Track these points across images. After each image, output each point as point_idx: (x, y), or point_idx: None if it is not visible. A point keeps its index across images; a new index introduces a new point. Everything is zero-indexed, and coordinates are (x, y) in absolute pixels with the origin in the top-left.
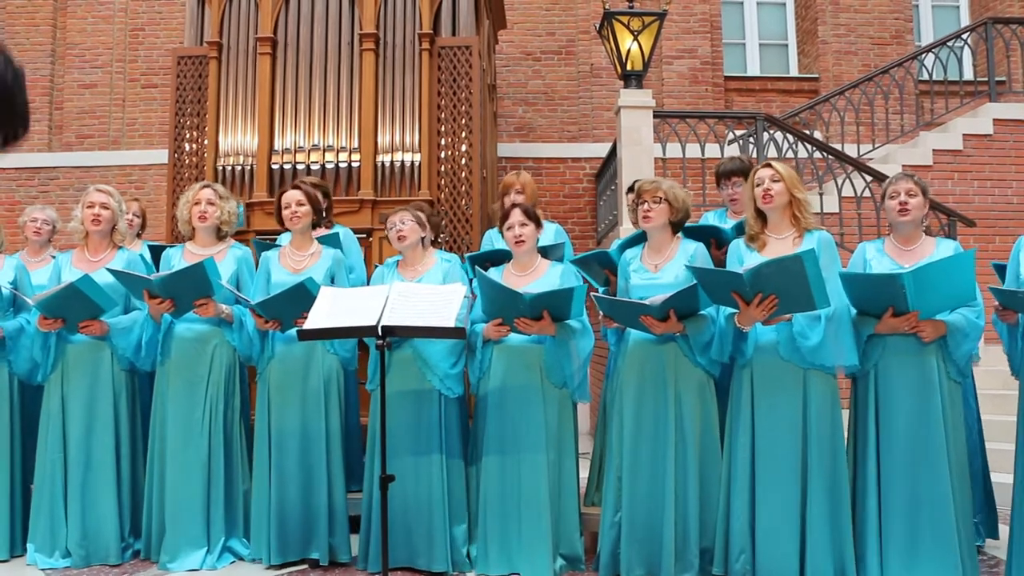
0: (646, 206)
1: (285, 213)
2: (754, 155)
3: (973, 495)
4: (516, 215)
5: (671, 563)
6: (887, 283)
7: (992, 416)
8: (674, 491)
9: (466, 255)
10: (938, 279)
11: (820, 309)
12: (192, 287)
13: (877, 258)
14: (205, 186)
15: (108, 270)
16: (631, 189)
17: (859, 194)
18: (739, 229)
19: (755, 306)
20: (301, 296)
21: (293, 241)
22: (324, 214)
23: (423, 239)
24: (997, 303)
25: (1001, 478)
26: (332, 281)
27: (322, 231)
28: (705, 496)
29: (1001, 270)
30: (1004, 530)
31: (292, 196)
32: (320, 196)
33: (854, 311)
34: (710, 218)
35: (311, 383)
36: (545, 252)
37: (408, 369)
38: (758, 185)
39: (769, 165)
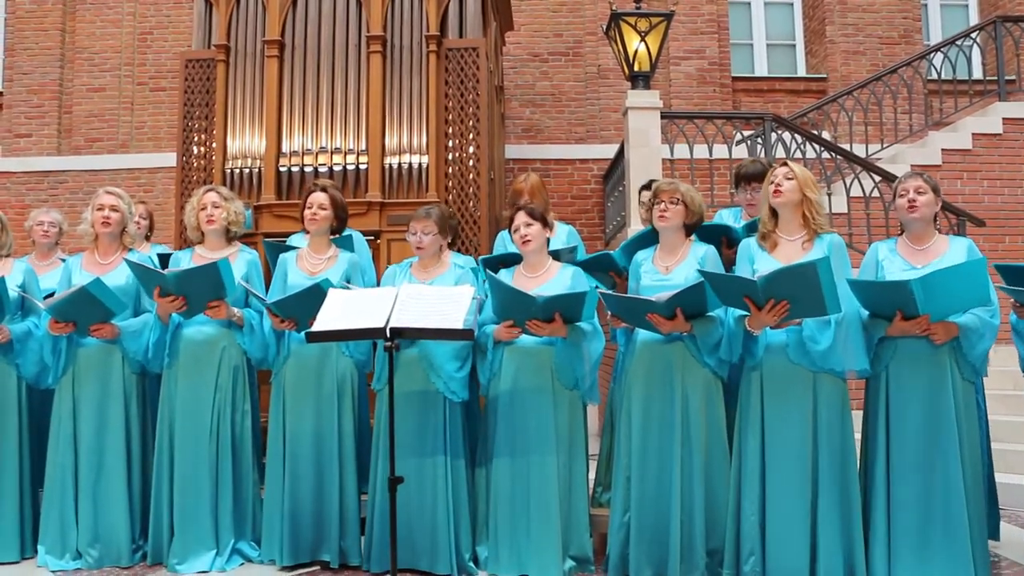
0: (663, 206)
1: (306, 213)
2: (762, 155)
3: None
4: (520, 216)
5: (677, 564)
6: (896, 290)
7: (1002, 417)
8: (680, 492)
9: (479, 257)
10: (949, 284)
11: (831, 315)
12: (205, 287)
13: (889, 258)
14: (209, 190)
15: (127, 261)
16: (646, 187)
17: (868, 194)
18: (749, 228)
19: (766, 311)
20: (317, 297)
21: (311, 244)
22: (345, 222)
23: (440, 246)
24: (1014, 301)
25: (1008, 479)
26: (348, 285)
27: None
28: (712, 497)
29: (1005, 271)
30: (1006, 529)
31: (317, 198)
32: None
33: (865, 314)
34: (724, 215)
35: (325, 385)
36: (557, 255)
37: (414, 370)
38: (771, 182)
39: (786, 163)
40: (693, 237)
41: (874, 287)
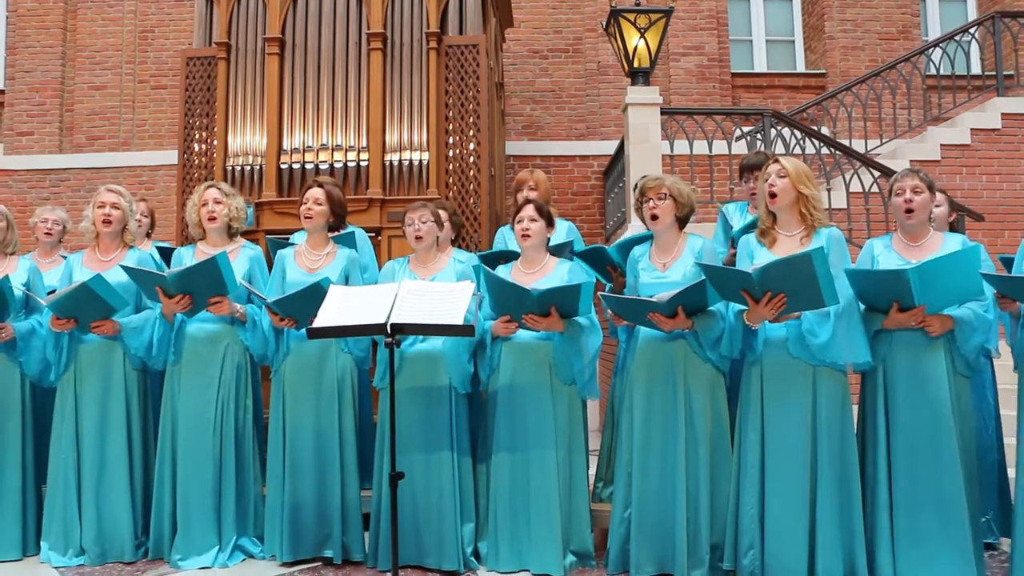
0: (652, 203)
1: (302, 209)
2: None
3: (987, 492)
4: (528, 210)
5: (684, 559)
6: (893, 279)
7: (1005, 412)
8: (685, 487)
9: (477, 253)
10: (944, 274)
11: (829, 307)
12: (206, 283)
13: (884, 254)
14: (210, 186)
15: (122, 267)
16: (637, 187)
17: (867, 189)
18: (747, 228)
19: (764, 304)
20: (317, 295)
21: (309, 240)
22: (344, 219)
23: (437, 238)
24: (996, 292)
25: (1011, 473)
26: (347, 281)
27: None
28: (716, 493)
29: (1008, 263)
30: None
31: (312, 193)
32: (343, 198)
33: (862, 307)
34: (731, 210)
35: (325, 382)
36: (554, 250)
37: (420, 365)
38: (765, 181)
39: (777, 160)
40: (687, 231)
41: (871, 276)
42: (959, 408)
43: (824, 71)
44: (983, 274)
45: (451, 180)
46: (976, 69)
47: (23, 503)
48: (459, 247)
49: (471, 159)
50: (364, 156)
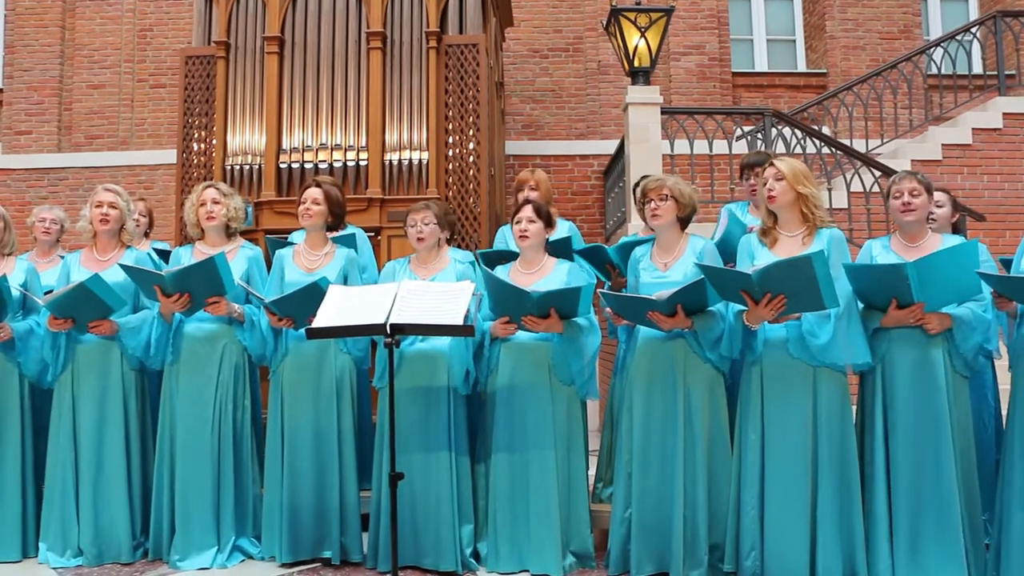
0: (653, 204)
1: (300, 209)
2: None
3: (984, 492)
4: (526, 210)
5: (680, 559)
6: (891, 273)
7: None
8: (683, 487)
9: (477, 251)
10: (942, 270)
11: (829, 309)
12: (204, 283)
13: (883, 255)
14: (208, 186)
15: (120, 265)
16: (637, 186)
17: (868, 189)
18: (725, 239)
19: (763, 305)
20: (315, 295)
21: (307, 240)
22: (343, 218)
23: (439, 239)
24: (993, 291)
25: None
26: (345, 281)
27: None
28: (715, 492)
29: (1007, 265)
30: None
31: (310, 193)
32: (341, 198)
33: (860, 305)
34: (732, 209)
35: (324, 382)
36: (552, 248)
37: (419, 365)
38: (764, 184)
39: (773, 163)
40: (689, 232)
41: (870, 271)
42: (957, 407)
43: (825, 70)
44: (980, 274)
45: (451, 180)
46: (977, 68)
47: (23, 504)
48: (456, 246)
49: (471, 159)
50: (364, 156)
